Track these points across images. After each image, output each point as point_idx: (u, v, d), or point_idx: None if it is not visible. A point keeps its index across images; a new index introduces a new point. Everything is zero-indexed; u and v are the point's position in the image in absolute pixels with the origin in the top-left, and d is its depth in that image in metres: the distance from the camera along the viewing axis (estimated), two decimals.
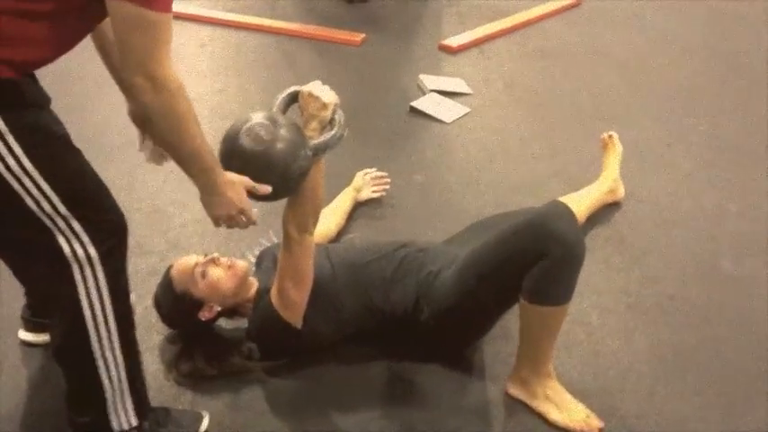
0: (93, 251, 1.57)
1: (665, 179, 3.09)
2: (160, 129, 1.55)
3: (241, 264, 2.10)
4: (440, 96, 3.66)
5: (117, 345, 1.67)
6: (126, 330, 1.69)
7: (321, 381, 2.06)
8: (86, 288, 1.59)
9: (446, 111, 3.55)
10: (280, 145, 1.73)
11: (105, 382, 1.69)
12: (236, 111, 3.39)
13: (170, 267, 2.10)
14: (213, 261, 2.07)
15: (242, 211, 1.77)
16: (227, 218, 1.78)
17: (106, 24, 1.52)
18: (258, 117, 1.78)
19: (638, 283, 2.50)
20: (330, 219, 2.58)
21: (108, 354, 1.67)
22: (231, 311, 2.13)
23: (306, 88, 1.86)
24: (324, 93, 1.84)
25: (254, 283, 2.13)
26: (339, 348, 2.12)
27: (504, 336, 2.18)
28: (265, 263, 2.23)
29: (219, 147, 1.79)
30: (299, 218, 1.91)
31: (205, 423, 1.90)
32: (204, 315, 2.06)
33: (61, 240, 1.54)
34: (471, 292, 1.98)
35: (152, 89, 1.45)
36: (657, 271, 2.56)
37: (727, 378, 2.13)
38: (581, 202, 2.66)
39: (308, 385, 2.05)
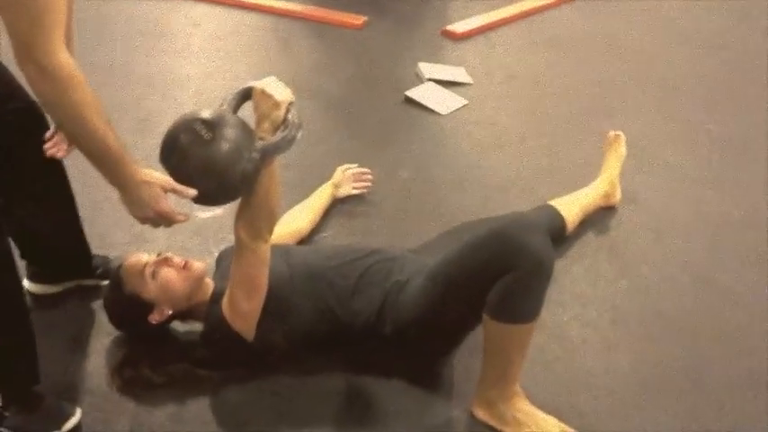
0: None
1: (665, 182, 2.93)
2: (56, 119, 1.49)
3: (197, 265, 1.98)
4: (437, 86, 3.51)
5: None
6: None
7: (273, 392, 1.94)
8: None
9: (442, 102, 3.40)
10: (221, 145, 1.61)
11: None
12: (220, 97, 3.25)
13: (119, 265, 1.98)
14: (165, 261, 1.95)
15: (159, 214, 1.64)
16: (143, 219, 1.65)
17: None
18: (203, 114, 1.66)
19: (625, 296, 2.35)
20: (303, 215, 2.46)
21: None
22: (185, 315, 2.01)
23: (259, 85, 1.73)
24: (277, 90, 1.71)
25: (210, 285, 2.01)
26: (296, 358, 2.00)
27: (476, 352, 2.05)
28: (225, 262, 2.10)
29: (161, 142, 1.68)
30: (251, 224, 1.79)
31: (72, 422, 1.79)
32: (154, 318, 1.94)
33: None
34: (437, 304, 1.85)
35: (42, 79, 1.37)
36: (648, 282, 2.41)
37: (712, 404, 1.98)
38: (574, 206, 2.53)
39: (259, 397, 1.93)
